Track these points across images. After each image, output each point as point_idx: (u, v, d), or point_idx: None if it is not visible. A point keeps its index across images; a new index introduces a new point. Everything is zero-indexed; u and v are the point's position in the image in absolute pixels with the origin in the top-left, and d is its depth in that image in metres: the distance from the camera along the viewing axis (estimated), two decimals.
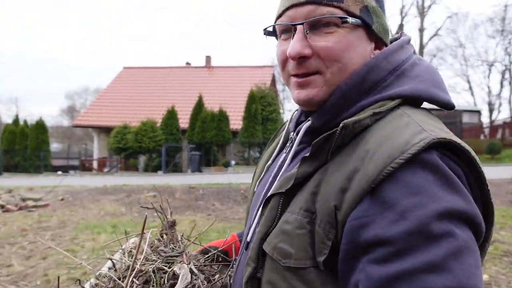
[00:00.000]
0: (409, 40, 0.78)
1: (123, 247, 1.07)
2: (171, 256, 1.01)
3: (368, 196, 0.58)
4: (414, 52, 0.77)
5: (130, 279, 0.91)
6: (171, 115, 18.83)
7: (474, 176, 0.60)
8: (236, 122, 19.45)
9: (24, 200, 7.88)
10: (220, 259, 1.06)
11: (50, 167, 20.63)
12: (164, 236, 1.15)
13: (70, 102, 51.10)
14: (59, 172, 19.48)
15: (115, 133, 17.97)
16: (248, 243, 0.77)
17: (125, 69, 25.01)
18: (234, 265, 0.96)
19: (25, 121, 21.01)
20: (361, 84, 0.69)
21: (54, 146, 31.32)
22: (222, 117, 18.37)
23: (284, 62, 0.74)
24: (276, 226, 0.67)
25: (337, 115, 0.70)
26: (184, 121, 19.44)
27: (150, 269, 0.95)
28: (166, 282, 0.92)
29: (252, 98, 18.17)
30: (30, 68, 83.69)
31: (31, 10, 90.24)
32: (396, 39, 0.79)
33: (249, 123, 18.09)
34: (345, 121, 0.63)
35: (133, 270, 0.94)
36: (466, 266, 0.52)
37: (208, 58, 25.49)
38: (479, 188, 0.60)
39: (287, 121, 0.91)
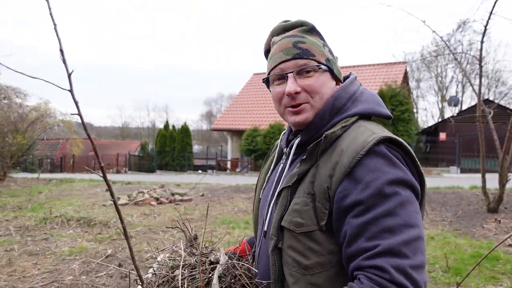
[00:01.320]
0: (355, 77, 1.14)
1: (158, 259, 1.27)
2: (203, 254, 1.23)
3: (346, 178, 0.90)
4: (360, 85, 1.13)
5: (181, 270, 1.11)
6: None
7: (408, 157, 0.94)
8: None
9: (173, 194, 9.07)
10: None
11: (192, 166, 23.32)
12: (192, 246, 1.34)
13: (208, 108, 56.84)
14: (199, 171, 21.86)
15: (246, 135, 19.24)
16: (265, 232, 1.07)
17: (254, 75, 26.59)
18: (254, 255, 1.21)
19: (173, 126, 24.13)
20: (331, 109, 1.04)
21: (195, 147, 35.20)
22: None
23: (280, 99, 1.07)
24: (289, 208, 0.99)
25: (318, 131, 1.04)
26: None
27: (193, 261, 1.17)
28: (207, 266, 1.13)
29: (381, 98, 17.05)
30: (174, 79, 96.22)
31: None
32: (348, 76, 1.15)
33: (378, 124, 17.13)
34: (326, 132, 0.98)
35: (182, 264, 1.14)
36: (408, 211, 0.86)
37: None
38: (413, 164, 0.95)
39: (278, 141, 1.25)
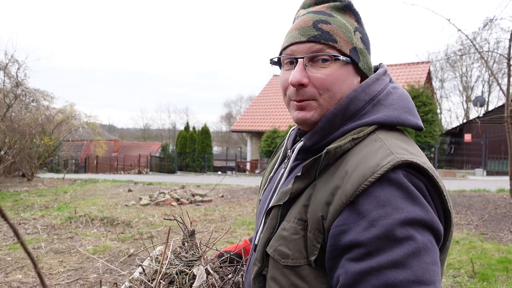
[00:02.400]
0: (385, 72, 0.91)
1: (151, 255, 1.21)
2: (191, 261, 1.14)
3: (347, 208, 0.71)
4: (391, 81, 0.91)
5: (158, 280, 1.05)
6: None
7: (434, 189, 0.73)
8: None
9: (193, 195, 9.16)
10: (235, 261, 1.22)
11: (212, 168, 23.50)
12: (186, 244, 1.28)
13: (228, 109, 57.16)
14: (219, 172, 22.00)
15: (265, 137, 19.22)
16: (256, 246, 0.89)
17: (274, 76, 26.58)
18: (245, 266, 1.11)
19: (194, 128, 24.41)
20: (343, 113, 0.83)
21: (215, 149, 35.49)
22: None
23: (286, 88, 0.89)
24: (276, 232, 0.82)
25: (324, 137, 0.85)
26: None
27: (174, 272, 1.09)
28: (187, 281, 1.05)
29: None
30: (194, 81, 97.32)
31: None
32: (376, 69, 0.94)
33: None
34: (328, 147, 0.78)
35: (160, 273, 1.08)
36: (423, 263, 0.65)
37: None
38: (438, 198, 0.73)
39: (286, 137, 1.05)
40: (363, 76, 0.90)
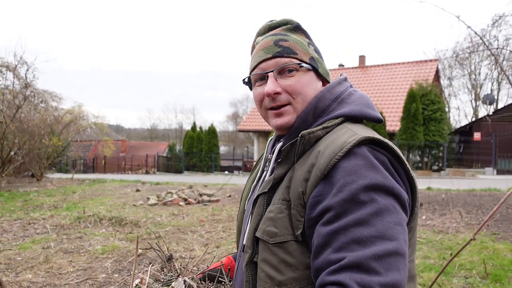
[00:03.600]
0: (345, 78, 1.07)
1: (135, 284, 1.22)
2: (170, 280, 1.16)
3: (322, 181, 0.82)
4: (351, 86, 1.06)
5: None
6: None
7: (396, 160, 0.85)
8: (393, 123, 18.20)
9: (201, 195, 9.16)
10: (217, 277, 1.26)
11: (219, 167, 23.52)
12: (165, 269, 1.29)
13: (234, 109, 57.28)
14: (226, 172, 22.02)
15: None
16: (244, 246, 0.96)
17: None
18: (227, 282, 1.17)
19: (201, 128, 24.44)
20: (314, 111, 0.97)
21: (222, 149, 35.49)
22: None
23: (261, 101, 1.01)
24: (264, 216, 0.91)
25: None
26: None
27: None
28: None
29: (412, 97, 16.65)
30: (200, 81, 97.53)
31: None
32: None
33: (408, 124, 16.65)
34: (302, 132, 0.91)
35: None
36: (386, 222, 0.75)
37: (362, 58, 24.68)
38: (401, 167, 0.86)
39: (265, 148, 1.16)
40: (323, 81, 1.05)
